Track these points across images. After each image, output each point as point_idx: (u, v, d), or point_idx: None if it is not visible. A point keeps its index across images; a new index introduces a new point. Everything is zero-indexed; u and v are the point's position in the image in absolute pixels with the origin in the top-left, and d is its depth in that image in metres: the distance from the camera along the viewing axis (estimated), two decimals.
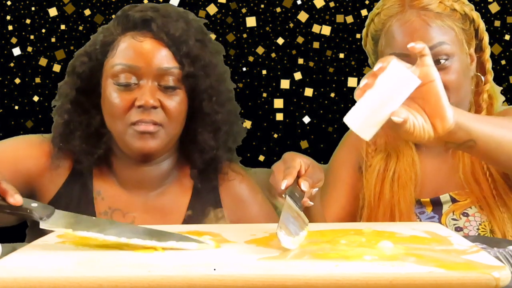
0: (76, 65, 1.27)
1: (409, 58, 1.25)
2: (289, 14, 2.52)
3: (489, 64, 1.37)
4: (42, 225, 0.93)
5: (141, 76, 1.20)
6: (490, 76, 1.38)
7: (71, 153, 1.29)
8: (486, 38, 1.36)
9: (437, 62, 1.25)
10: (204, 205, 1.30)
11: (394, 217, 1.30)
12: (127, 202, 1.28)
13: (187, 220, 1.27)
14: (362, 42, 1.41)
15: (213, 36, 1.37)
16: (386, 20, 1.31)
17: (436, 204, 1.32)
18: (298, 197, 1.02)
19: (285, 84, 2.53)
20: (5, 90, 2.53)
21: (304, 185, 1.03)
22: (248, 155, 2.48)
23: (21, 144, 1.30)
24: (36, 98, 2.53)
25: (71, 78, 1.28)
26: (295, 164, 1.05)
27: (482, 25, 1.35)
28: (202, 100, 1.25)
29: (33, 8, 2.52)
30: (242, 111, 1.38)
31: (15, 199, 0.95)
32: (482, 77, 1.36)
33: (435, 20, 1.27)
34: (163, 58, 1.21)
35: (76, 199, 1.27)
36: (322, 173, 1.11)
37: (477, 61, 1.36)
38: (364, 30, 1.40)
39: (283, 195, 1.01)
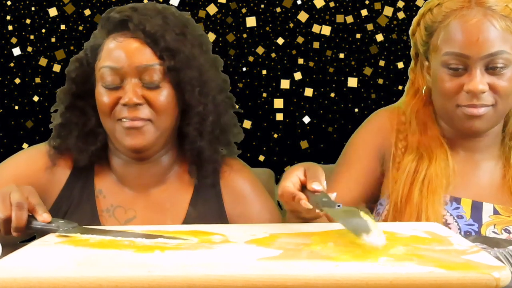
0: (70, 71, 1.31)
1: (468, 59, 1.21)
2: (289, 14, 2.52)
3: None
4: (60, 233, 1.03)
5: (124, 75, 1.22)
6: None
7: (70, 153, 1.30)
8: None
9: (493, 68, 1.22)
10: (205, 200, 1.30)
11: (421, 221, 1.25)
12: (129, 199, 1.29)
13: (188, 217, 1.28)
14: (410, 30, 1.34)
15: (213, 36, 1.37)
16: (448, 14, 1.25)
17: (476, 209, 1.28)
18: (327, 201, 0.99)
19: (285, 84, 2.53)
20: (5, 90, 2.53)
21: (316, 185, 1.02)
22: (248, 155, 2.48)
23: (20, 161, 1.33)
24: (36, 98, 2.53)
25: (67, 83, 1.32)
26: (289, 183, 1.05)
27: None
28: (186, 92, 1.26)
29: (33, 8, 2.52)
30: (242, 110, 1.38)
31: (43, 217, 1.06)
32: None
33: (500, 21, 1.21)
34: (143, 55, 1.23)
35: (77, 199, 1.29)
36: (318, 166, 1.09)
37: None
38: (416, 18, 1.33)
39: (317, 210, 1.00)
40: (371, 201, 1.38)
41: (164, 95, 1.24)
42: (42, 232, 1.05)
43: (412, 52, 1.36)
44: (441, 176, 1.28)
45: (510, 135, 1.34)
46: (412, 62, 1.37)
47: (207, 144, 1.29)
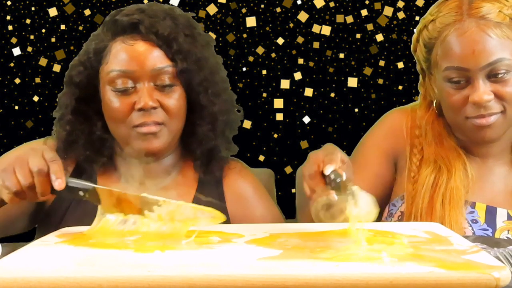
0: (73, 75, 1.28)
1: (469, 72, 1.21)
2: (289, 14, 2.52)
3: None
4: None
5: (137, 79, 1.21)
6: None
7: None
8: None
9: (495, 75, 1.21)
10: (208, 200, 1.30)
11: None
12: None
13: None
14: (411, 47, 1.35)
15: (213, 36, 1.38)
16: (442, 29, 1.25)
17: (490, 214, 1.27)
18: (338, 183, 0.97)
19: (285, 84, 2.53)
20: (5, 90, 2.53)
21: (344, 174, 0.99)
22: (248, 155, 2.48)
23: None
24: (36, 98, 2.53)
25: (69, 88, 1.29)
26: (337, 154, 1.03)
27: None
28: (199, 93, 1.26)
29: (33, 8, 2.52)
30: (242, 109, 1.38)
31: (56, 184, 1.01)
32: None
33: (494, 30, 1.21)
34: (156, 58, 1.22)
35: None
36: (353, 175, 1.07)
37: None
38: (414, 36, 1.33)
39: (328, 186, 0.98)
40: (381, 203, 1.37)
41: (176, 97, 1.24)
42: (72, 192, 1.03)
43: (418, 68, 1.36)
44: (461, 188, 1.27)
45: None
46: (420, 77, 1.37)
47: (220, 143, 1.30)
